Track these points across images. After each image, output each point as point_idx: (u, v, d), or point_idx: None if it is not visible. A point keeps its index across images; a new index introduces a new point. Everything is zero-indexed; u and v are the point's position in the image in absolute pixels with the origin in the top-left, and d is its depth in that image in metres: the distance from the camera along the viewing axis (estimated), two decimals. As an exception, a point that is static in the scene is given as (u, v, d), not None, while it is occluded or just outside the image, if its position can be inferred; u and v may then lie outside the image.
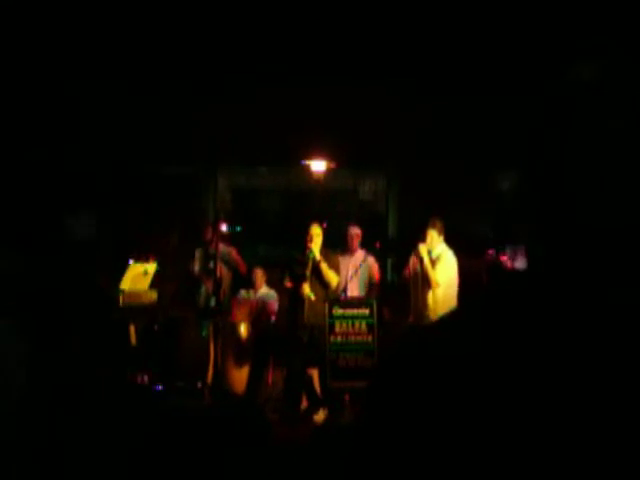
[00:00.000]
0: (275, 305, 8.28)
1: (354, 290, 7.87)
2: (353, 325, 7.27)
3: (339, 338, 7.25)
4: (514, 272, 6.63)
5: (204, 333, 7.93)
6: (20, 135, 8.30)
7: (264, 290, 8.35)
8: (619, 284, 1.12)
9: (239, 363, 7.83)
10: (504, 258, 7.18)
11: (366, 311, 7.31)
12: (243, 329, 7.89)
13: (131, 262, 7.73)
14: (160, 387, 7.36)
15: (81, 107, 8.78)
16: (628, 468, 1.02)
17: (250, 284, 8.38)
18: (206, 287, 8.13)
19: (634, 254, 1.14)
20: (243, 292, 8.36)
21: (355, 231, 8.06)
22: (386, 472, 1.16)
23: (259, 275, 8.34)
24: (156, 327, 7.72)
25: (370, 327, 7.27)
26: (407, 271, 7.28)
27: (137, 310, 7.53)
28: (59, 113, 8.65)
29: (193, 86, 8.90)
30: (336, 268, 7.28)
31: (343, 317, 7.27)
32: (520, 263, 7.05)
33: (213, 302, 7.77)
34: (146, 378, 7.34)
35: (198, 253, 8.43)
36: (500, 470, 1.07)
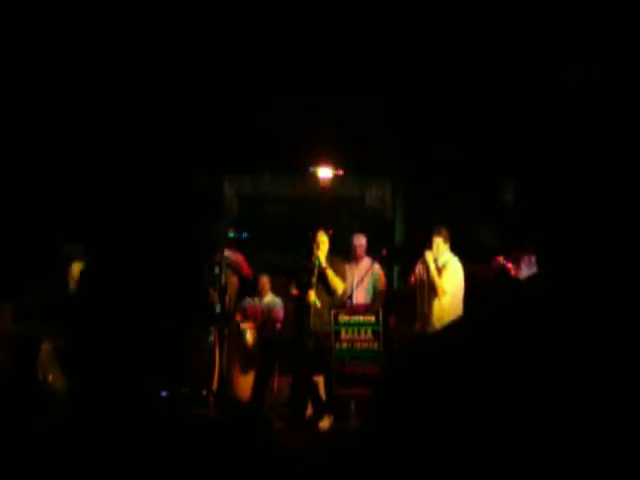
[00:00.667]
0: (281, 312, 8.27)
1: (360, 297, 7.86)
2: (359, 332, 7.26)
3: (345, 345, 7.24)
4: (519, 280, 6.61)
5: (209, 339, 7.93)
6: None
7: (270, 297, 8.35)
8: (624, 287, 1.11)
9: (245, 370, 7.82)
10: (510, 265, 7.17)
11: (372, 318, 7.30)
12: (249, 336, 7.89)
13: None
14: (165, 393, 7.37)
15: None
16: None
17: (256, 291, 8.37)
18: (211, 293, 8.12)
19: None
20: (249, 300, 8.36)
21: (360, 238, 8.05)
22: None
23: (264, 282, 8.33)
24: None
25: (376, 334, 7.26)
26: (412, 279, 7.28)
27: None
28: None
29: (198, 93, 8.92)
30: (342, 275, 7.28)
31: (349, 324, 7.26)
32: (526, 270, 7.04)
33: (218, 308, 7.78)
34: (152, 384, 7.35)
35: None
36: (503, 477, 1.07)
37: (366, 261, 7.98)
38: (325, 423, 7.06)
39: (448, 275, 6.94)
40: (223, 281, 7.74)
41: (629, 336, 1.07)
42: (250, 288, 8.43)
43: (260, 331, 8.00)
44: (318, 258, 7.09)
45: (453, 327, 1.42)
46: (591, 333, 1.09)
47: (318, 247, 7.14)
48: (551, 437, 1.05)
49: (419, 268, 7.16)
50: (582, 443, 1.04)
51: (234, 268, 8.26)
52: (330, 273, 7.10)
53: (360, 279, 7.83)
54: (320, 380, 7.33)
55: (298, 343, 7.15)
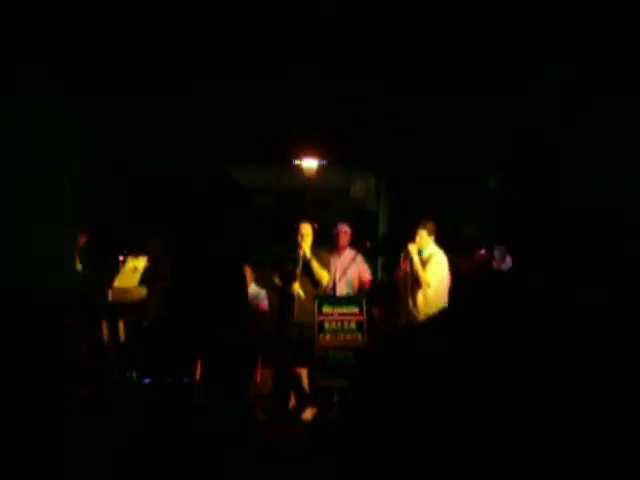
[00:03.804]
0: (264, 303, 8.25)
1: (343, 289, 7.86)
2: (342, 324, 7.27)
3: (328, 336, 7.25)
4: (500, 272, 6.65)
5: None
6: None
7: (253, 288, 8.31)
8: (596, 284, 1.13)
9: (228, 360, 7.81)
10: (492, 259, 7.21)
11: (355, 310, 7.31)
12: (232, 327, 7.87)
13: (121, 258, 7.74)
14: (148, 380, 7.35)
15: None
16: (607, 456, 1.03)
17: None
18: None
19: (618, 256, 1.15)
20: (233, 291, 8.31)
21: (344, 230, 8.05)
22: (370, 466, 1.17)
23: (246, 273, 8.25)
24: (145, 323, 7.69)
25: (359, 326, 7.27)
26: (399, 272, 7.28)
27: (126, 306, 7.51)
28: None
29: (183, 84, 8.89)
30: (327, 267, 7.29)
31: (332, 315, 7.27)
32: (508, 264, 7.07)
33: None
34: (134, 374, 7.32)
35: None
36: (478, 462, 1.08)
37: (349, 252, 7.98)
38: (308, 414, 7.07)
39: (433, 268, 6.96)
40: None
41: (598, 325, 1.09)
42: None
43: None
44: (303, 249, 7.10)
45: (432, 319, 1.43)
46: (566, 325, 1.10)
47: (303, 238, 7.15)
48: (526, 422, 1.07)
49: (403, 261, 7.17)
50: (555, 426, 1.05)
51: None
52: (315, 264, 7.11)
53: (343, 271, 7.84)
54: (303, 371, 7.34)
55: (282, 334, 7.16)
